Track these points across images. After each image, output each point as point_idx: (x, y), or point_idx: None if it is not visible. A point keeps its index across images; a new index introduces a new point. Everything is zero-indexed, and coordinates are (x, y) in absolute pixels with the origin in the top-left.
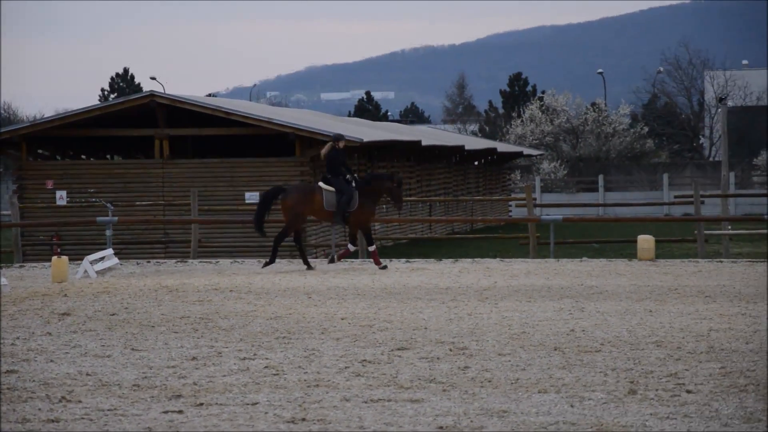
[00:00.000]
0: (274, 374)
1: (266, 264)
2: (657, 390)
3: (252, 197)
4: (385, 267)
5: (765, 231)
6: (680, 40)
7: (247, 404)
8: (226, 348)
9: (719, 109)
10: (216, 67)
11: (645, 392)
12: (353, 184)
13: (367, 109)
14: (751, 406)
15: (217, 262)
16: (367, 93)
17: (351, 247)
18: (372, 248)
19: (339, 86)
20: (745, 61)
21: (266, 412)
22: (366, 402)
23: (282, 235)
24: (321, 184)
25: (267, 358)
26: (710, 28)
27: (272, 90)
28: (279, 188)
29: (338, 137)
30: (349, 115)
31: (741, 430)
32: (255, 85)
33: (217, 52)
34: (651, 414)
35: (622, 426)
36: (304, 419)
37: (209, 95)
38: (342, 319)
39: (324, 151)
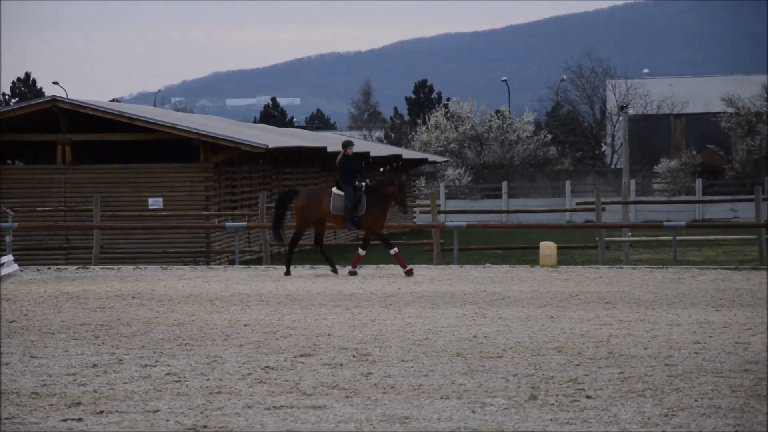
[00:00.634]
0: (176, 381)
1: (287, 273)
2: (557, 395)
3: (155, 203)
4: (410, 271)
5: (664, 238)
6: (583, 49)
7: (148, 411)
8: (128, 355)
9: (620, 117)
10: (120, 72)
11: (545, 398)
12: (363, 190)
13: (273, 116)
14: (649, 411)
15: (119, 268)
16: (273, 99)
17: (361, 252)
18: (393, 251)
19: (244, 92)
20: (645, 70)
21: (167, 420)
22: (268, 408)
23: (294, 239)
24: (334, 189)
25: (169, 365)
26: (612, 37)
27: (177, 95)
28: (292, 191)
29: (345, 144)
30: (255, 121)
31: None
32: (159, 90)
33: (121, 57)
34: (551, 419)
35: (522, 431)
36: (205, 426)
37: (113, 100)
38: (245, 325)
39: (338, 159)
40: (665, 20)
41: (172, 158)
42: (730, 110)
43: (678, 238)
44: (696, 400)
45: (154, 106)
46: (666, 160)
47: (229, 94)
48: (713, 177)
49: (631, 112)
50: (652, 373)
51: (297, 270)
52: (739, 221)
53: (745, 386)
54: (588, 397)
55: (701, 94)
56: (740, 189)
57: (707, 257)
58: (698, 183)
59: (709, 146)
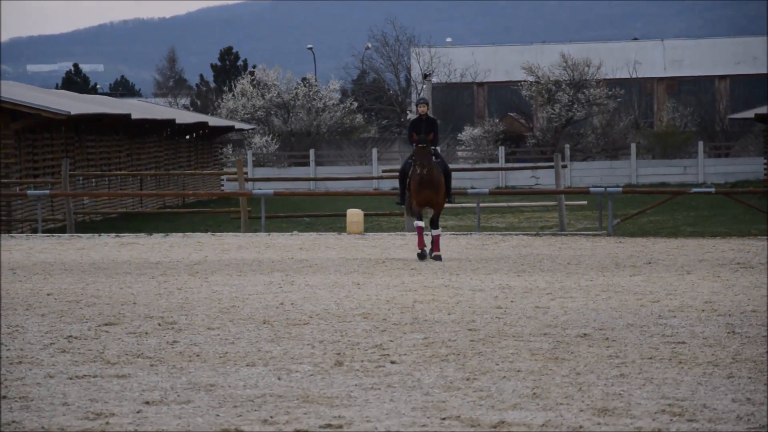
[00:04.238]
0: None
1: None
2: (362, 361)
3: None
4: (437, 257)
5: (468, 204)
6: (387, 17)
7: None
8: None
9: (425, 86)
10: None
11: (351, 363)
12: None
13: (76, 82)
14: (452, 375)
15: None
16: (75, 65)
17: (434, 232)
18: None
19: (45, 58)
20: (448, 39)
21: None
22: (71, 378)
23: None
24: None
25: None
26: (415, 5)
27: None
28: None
29: (417, 102)
30: (57, 88)
31: (441, 398)
32: None
33: None
34: (356, 385)
35: (327, 397)
36: (5, 397)
37: None
38: (48, 294)
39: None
40: None
41: None
42: (531, 79)
43: (481, 205)
44: (497, 364)
45: None
46: (469, 128)
47: (29, 60)
48: (515, 144)
49: (435, 80)
50: (455, 338)
51: (102, 238)
52: (540, 188)
53: (544, 349)
54: (392, 362)
55: (502, 63)
56: (541, 156)
57: (509, 224)
58: (501, 150)
59: (511, 114)
